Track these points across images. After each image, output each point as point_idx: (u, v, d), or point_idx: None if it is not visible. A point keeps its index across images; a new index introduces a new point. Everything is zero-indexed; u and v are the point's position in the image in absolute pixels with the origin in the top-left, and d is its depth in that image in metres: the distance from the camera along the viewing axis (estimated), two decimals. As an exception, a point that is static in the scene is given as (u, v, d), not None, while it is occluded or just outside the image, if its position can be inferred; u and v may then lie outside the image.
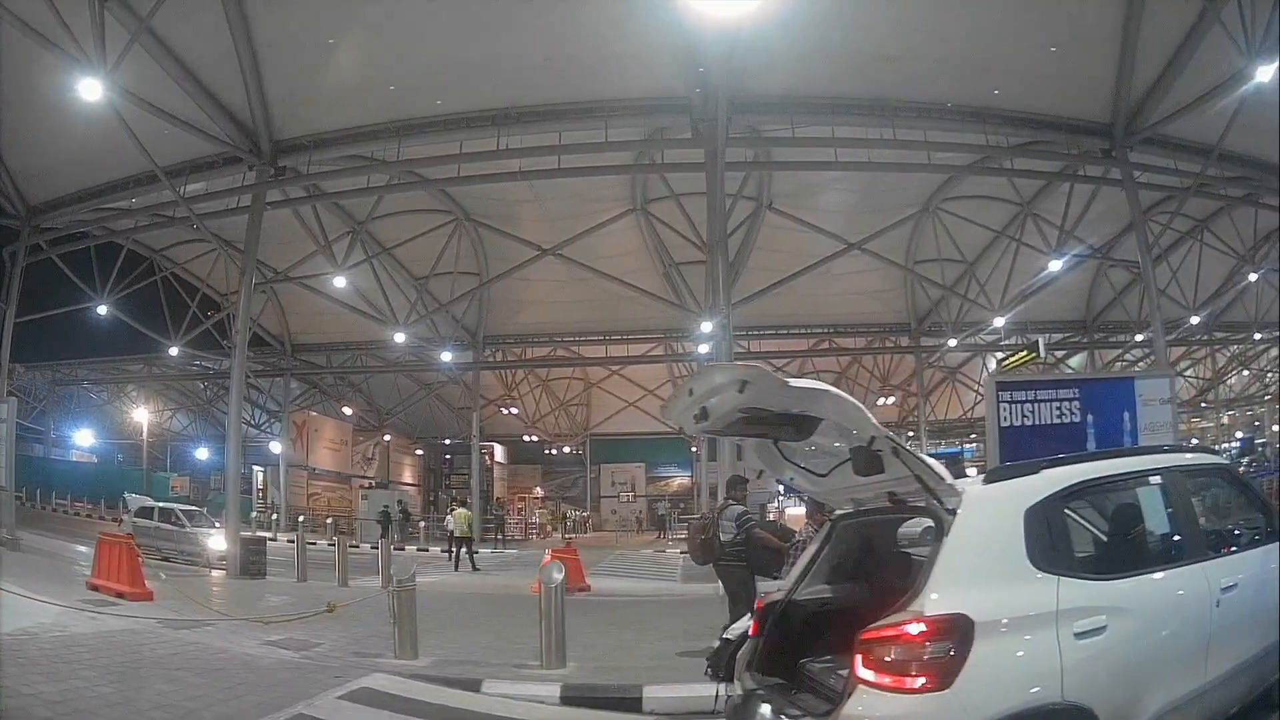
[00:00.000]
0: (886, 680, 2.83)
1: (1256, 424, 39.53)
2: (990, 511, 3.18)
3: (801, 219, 20.24)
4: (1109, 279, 26.29)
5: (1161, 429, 9.21)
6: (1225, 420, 41.65)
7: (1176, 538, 3.67)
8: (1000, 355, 23.78)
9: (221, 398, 36.58)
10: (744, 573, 7.04)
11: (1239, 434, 37.64)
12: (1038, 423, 9.11)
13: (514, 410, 38.11)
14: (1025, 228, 20.98)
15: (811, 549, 4.28)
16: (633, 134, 15.59)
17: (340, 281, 20.97)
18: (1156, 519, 3.75)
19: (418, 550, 23.36)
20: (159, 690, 5.59)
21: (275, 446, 34.10)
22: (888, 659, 2.85)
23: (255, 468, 33.70)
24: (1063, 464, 3.47)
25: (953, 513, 3.10)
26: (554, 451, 43.10)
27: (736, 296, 16.08)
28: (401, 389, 37.93)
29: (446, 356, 26.05)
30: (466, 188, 19.02)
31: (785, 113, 14.97)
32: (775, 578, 6.02)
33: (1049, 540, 3.11)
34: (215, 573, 14.51)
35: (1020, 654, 2.88)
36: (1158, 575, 3.40)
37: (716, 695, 4.00)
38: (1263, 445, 29.58)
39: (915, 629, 2.82)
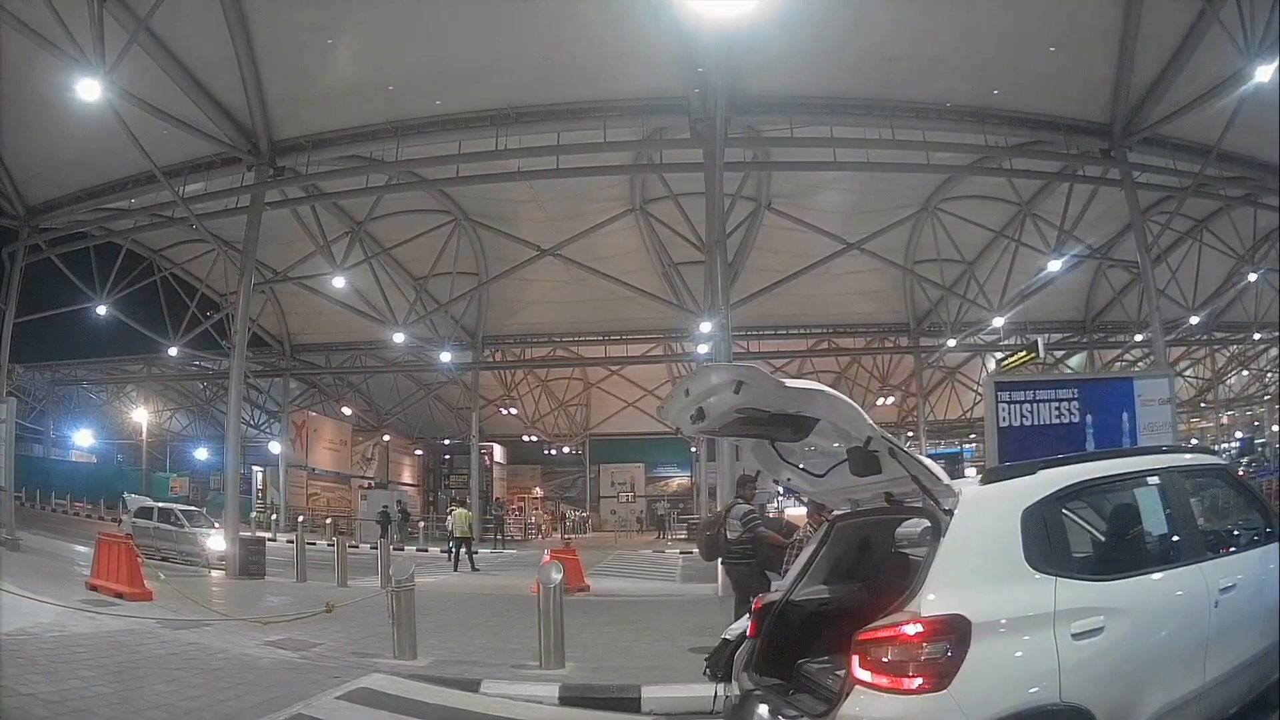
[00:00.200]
0: (884, 681, 2.83)
1: (1256, 424, 39.55)
2: (987, 512, 3.18)
3: (800, 219, 20.24)
4: (1108, 279, 26.28)
5: (1161, 429, 9.20)
6: (1224, 420, 41.68)
7: (1175, 538, 3.67)
8: (999, 355, 23.81)
9: (221, 398, 36.54)
10: (751, 570, 7.11)
11: (1238, 434, 37.67)
12: (1036, 423, 9.12)
13: (513, 410, 38.11)
14: (1024, 228, 20.97)
15: (809, 549, 4.28)
16: (631, 134, 15.58)
17: (339, 282, 20.97)
18: (1155, 520, 3.75)
19: (417, 550, 23.35)
20: (158, 690, 5.59)
21: (274, 446, 34.10)
22: (885, 659, 2.85)
23: (254, 468, 33.71)
24: (1060, 464, 3.47)
25: (950, 513, 3.10)
26: (553, 452, 43.08)
27: (735, 296, 16.07)
28: (401, 389, 37.93)
29: (446, 356, 26.04)
30: (465, 188, 19.03)
31: (784, 113, 14.96)
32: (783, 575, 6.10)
33: (1046, 541, 3.11)
34: (214, 573, 14.52)
35: (1018, 655, 2.89)
36: (1156, 576, 3.40)
37: (715, 695, 4.01)
38: (1262, 445, 29.58)
39: (912, 629, 2.83)
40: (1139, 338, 27.29)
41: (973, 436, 38.43)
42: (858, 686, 2.90)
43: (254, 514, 29.00)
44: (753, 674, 3.81)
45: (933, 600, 2.88)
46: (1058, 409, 9.17)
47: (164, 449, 45.12)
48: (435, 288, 23.77)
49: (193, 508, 19.06)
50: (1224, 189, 18.56)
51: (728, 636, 4.08)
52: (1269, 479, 17.56)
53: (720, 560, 7.68)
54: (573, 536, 30.43)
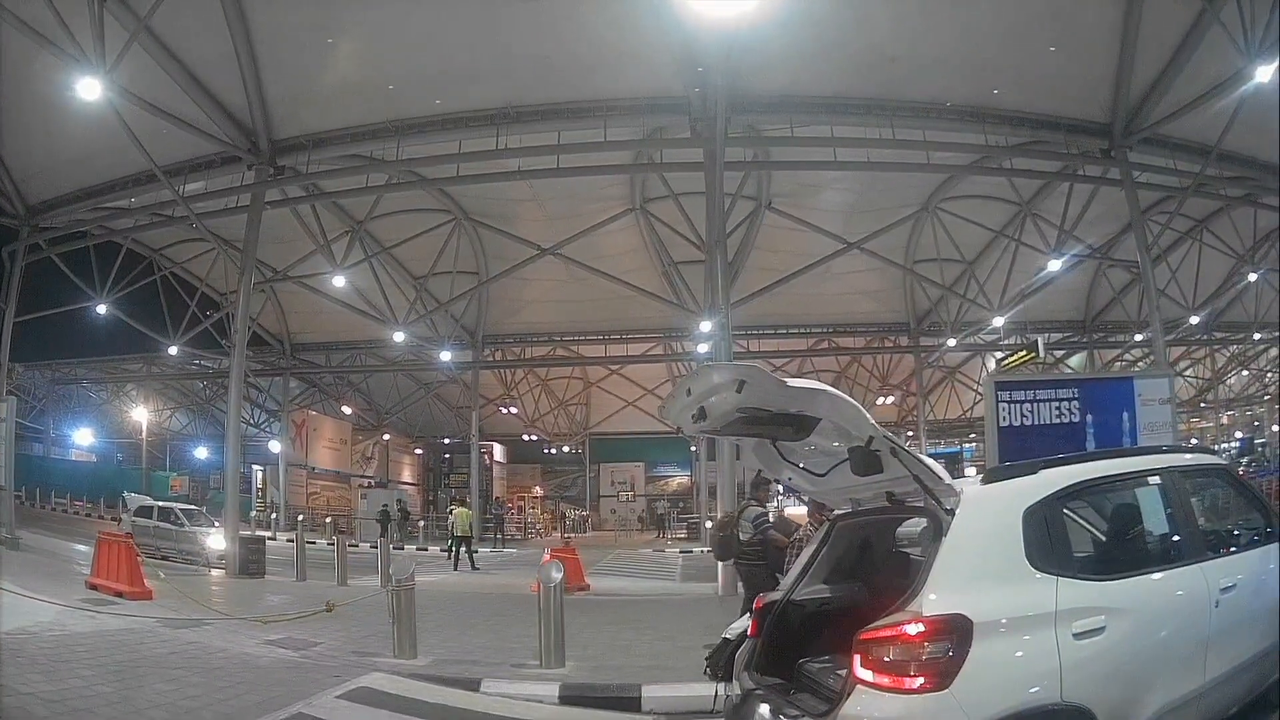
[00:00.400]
0: (885, 680, 2.83)
1: (1256, 424, 39.56)
2: (988, 512, 3.18)
3: (801, 218, 20.23)
4: (1108, 279, 26.27)
5: (1161, 429, 9.20)
6: (1225, 420, 41.68)
7: (1175, 538, 3.67)
8: (999, 355, 23.80)
9: (221, 397, 36.55)
10: (763, 572, 7.18)
11: (1238, 434, 37.70)
12: (1037, 423, 9.11)
13: (513, 409, 38.10)
14: (1024, 227, 20.97)
15: (810, 549, 4.28)
16: (631, 133, 15.58)
17: (339, 281, 20.96)
18: (1155, 519, 3.75)
19: (417, 549, 23.35)
20: (158, 689, 5.59)
21: (274, 445, 34.09)
22: (886, 659, 2.85)
23: (254, 467, 33.69)
24: (1061, 464, 3.47)
25: (951, 513, 3.10)
26: (553, 451, 43.07)
27: (735, 296, 16.06)
28: (401, 388, 37.93)
29: (445, 356, 26.03)
30: (465, 187, 19.00)
31: (784, 112, 14.95)
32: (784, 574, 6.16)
33: (1047, 540, 3.11)
34: (214, 572, 14.54)
35: (1019, 654, 2.89)
36: (1157, 576, 3.40)
37: (715, 695, 4.00)
38: (1262, 445, 29.64)
39: (914, 629, 2.83)
40: (1139, 337, 27.29)
41: (973, 436, 38.45)
42: (859, 686, 2.90)
43: (254, 513, 29.03)
44: (754, 673, 3.81)
45: (934, 600, 2.88)
46: (1058, 409, 9.16)
47: (164, 448, 45.13)
48: (435, 287, 23.76)
49: (193, 507, 19.09)
50: (1224, 189, 18.54)
51: (728, 636, 4.08)
52: (1269, 479, 17.61)
53: (734, 560, 7.88)
54: (573, 536, 30.43)
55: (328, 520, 29.95)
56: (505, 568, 18.52)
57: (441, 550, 21.00)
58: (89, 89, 11.14)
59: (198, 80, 13.93)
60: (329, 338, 30.02)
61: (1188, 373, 37.52)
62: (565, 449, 42.97)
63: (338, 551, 13.86)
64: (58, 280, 21.17)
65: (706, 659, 4.13)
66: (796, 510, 11.80)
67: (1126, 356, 31.60)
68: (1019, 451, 8.44)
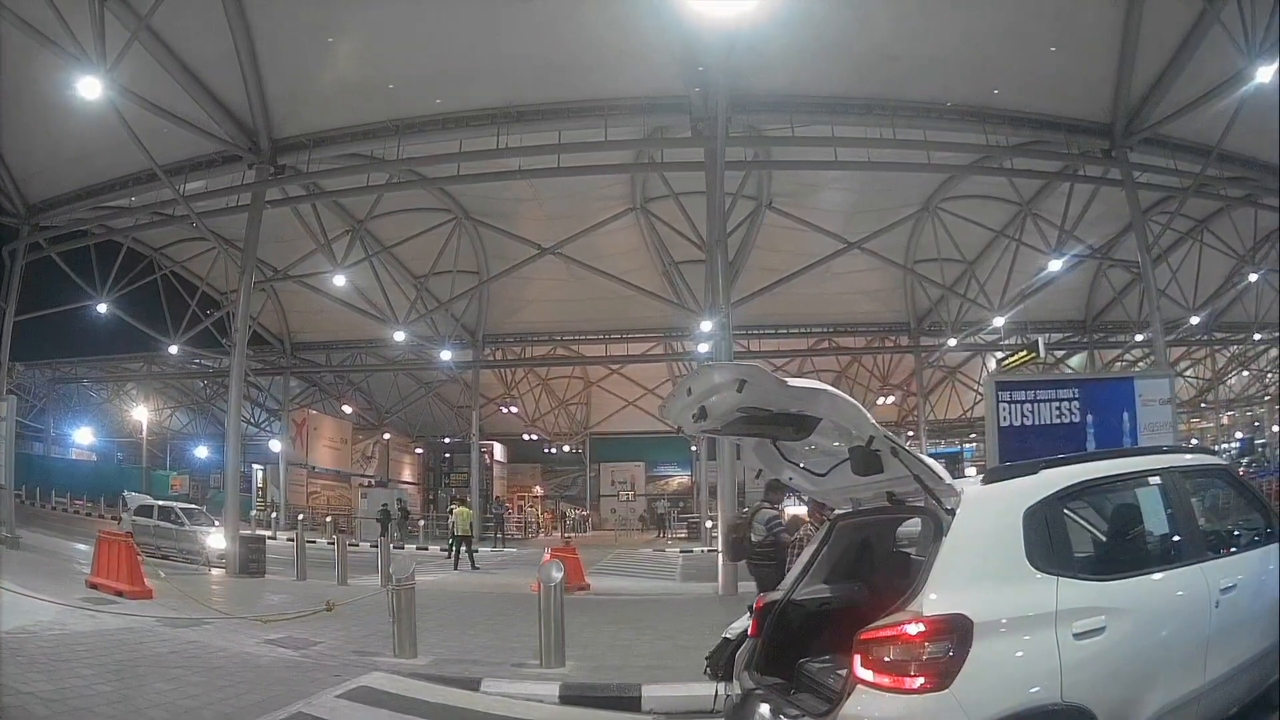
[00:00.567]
0: (885, 680, 2.84)
1: (1256, 424, 39.56)
2: (989, 512, 3.18)
3: (801, 218, 20.21)
4: (1109, 279, 26.27)
5: (1161, 429, 9.22)
6: (1225, 421, 41.68)
7: (1175, 538, 3.67)
8: (1000, 355, 23.79)
9: (221, 396, 36.52)
10: (774, 573, 7.21)
11: (1239, 434, 37.71)
12: (1037, 423, 9.13)
13: (514, 409, 38.09)
14: (1025, 227, 20.96)
15: (811, 548, 4.28)
16: (632, 133, 15.58)
17: (340, 280, 20.95)
18: (1156, 520, 3.75)
19: (417, 549, 23.36)
20: (158, 688, 5.59)
21: (275, 445, 34.09)
22: (886, 659, 2.85)
23: (255, 466, 33.71)
24: (1062, 464, 3.47)
25: (951, 513, 3.10)
26: (554, 450, 43.09)
27: (736, 296, 16.05)
28: (401, 387, 37.93)
29: (446, 355, 26.02)
30: (466, 186, 18.98)
31: (785, 112, 14.94)
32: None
33: (1048, 541, 3.11)
34: (214, 571, 14.53)
35: (1019, 654, 2.89)
36: (1157, 576, 3.41)
37: (715, 695, 4.00)
38: (1262, 446, 29.64)
39: (914, 629, 2.83)
40: (1139, 338, 27.29)
41: (973, 436, 38.48)
42: (859, 686, 2.90)
43: (254, 512, 29.01)
44: (754, 673, 3.81)
45: (935, 600, 2.88)
46: (1058, 409, 9.18)
47: (164, 447, 45.17)
48: (436, 286, 23.75)
49: (193, 506, 19.09)
50: (1224, 189, 18.54)
51: (728, 635, 4.08)
52: (1269, 479, 17.60)
53: (746, 561, 8.13)
54: (573, 535, 30.43)
55: (328, 519, 29.97)
56: (505, 567, 18.52)
57: (442, 550, 20.99)
58: (89, 88, 11.14)
59: (198, 79, 13.92)
60: (329, 337, 30.01)
61: (1188, 373, 37.51)
62: (565, 448, 42.99)
63: (338, 551, 13.86)
64: (58, 279, 21.21)
65: (707, 658, 4.13)
66: (796, 510, 11.81)
67: (1127, 357, 31.59)
68: (1019, 451, 8.46)
